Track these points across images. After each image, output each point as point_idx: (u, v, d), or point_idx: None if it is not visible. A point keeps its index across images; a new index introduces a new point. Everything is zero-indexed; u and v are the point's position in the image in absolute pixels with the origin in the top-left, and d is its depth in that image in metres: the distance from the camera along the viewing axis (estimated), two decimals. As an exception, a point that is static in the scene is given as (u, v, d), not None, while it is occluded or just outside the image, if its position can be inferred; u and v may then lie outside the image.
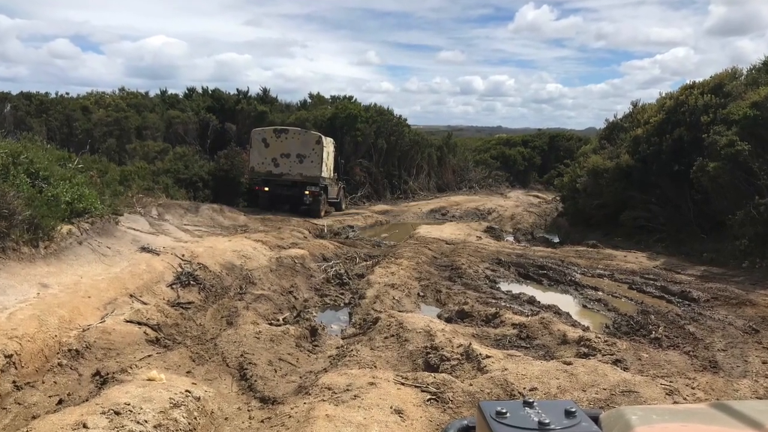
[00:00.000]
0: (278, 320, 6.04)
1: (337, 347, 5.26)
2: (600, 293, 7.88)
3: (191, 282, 6.63)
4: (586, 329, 5.99)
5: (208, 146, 18.67)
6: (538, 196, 24.92)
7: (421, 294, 7.57)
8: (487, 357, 4.51)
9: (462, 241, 11.68)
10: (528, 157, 30.96)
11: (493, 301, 7.06)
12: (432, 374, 4.19)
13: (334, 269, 8.71)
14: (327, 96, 24.88)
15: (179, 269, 6.91)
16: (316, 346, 5.32)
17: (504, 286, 8.29)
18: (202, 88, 23.12)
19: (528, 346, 5.29)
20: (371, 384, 3.85)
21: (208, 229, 10.81)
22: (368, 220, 15.48)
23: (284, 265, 8.30)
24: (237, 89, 22.90)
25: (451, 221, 15.95)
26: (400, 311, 6.13)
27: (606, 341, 5.27)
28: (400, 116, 23.50)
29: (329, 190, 15.56)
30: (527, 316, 6.22)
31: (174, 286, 6.40)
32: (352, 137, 19.82)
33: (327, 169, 15.18)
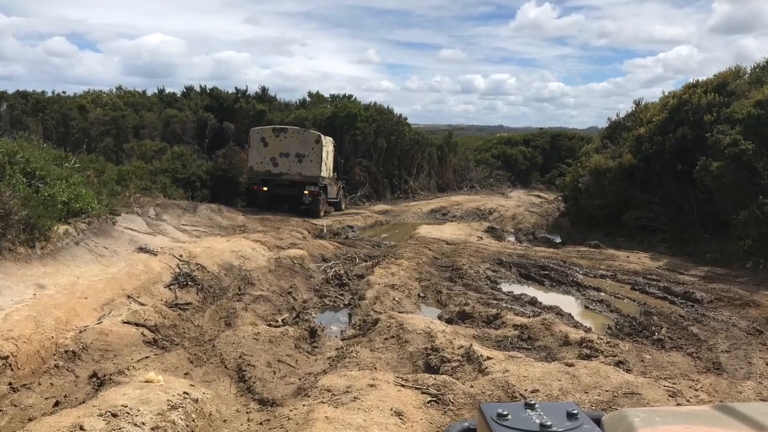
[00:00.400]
0: (277, 321, 6.05)
1: (337, 348, 5.26)
2: (602, 294, 7.89)
3: (189, 283, 6.63)
4: (588, 330, 5.99)
5: (206, 145, 18.66)
6: (539, 196, 24.89)
7: (422, 295, 7.57)
8: (489, 358, 4.51)
9: (463, 241, 11.69)
10: (529, 156, 30.92)
11: (495, 302, 7.06)
12: (432, 376, 4.20)
13: (333, 270, 8.70)
14: (326, 95, 24.95)
15: (177, 270, 6.91)
16: (315, 347, 5.32)
17: (505, 287, 8.29)
18: (200, 86, 23.16)
19: (529, 347, 5.29)
20: (371, 386, 3.86)
21: (207, 229, 10.81)
22: (368, 220, 15.48)
23: (283, 266, 8.29)
24: (236, 88, 22.95)
25: (451, 221, 15.95)
26: (400, 312, 6.14)
27: (608, 342, 5.27)
28: (401, 115, 23.56)
29: (329, 190, 15.55)
30: (529, 317, 6.22)
31: (172, 287, 6.40)
32: (352, 136, 19.81)
33: (326, 168, 15.17)
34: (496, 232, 14.14)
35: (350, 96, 24.00)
